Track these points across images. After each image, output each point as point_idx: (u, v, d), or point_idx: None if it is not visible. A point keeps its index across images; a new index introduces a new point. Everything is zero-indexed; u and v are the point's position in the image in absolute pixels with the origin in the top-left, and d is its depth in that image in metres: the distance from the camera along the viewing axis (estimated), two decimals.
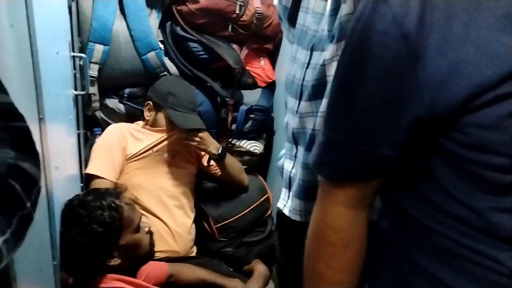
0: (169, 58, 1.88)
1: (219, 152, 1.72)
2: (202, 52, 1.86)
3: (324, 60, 0.84)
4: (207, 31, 1.87)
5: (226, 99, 1.91)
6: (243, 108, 1.94)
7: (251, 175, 2.04)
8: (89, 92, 1.70)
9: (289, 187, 1.02)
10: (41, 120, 0.87)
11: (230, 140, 1.99)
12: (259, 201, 1.98)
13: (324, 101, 0.85)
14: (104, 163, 1.62)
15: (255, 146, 2.04)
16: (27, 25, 0.77)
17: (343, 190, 0.63)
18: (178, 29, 1.85)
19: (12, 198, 0.49)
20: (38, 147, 0.89)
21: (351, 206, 0.63)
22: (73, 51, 1.42)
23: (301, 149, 0.96)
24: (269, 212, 2.04)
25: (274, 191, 2.05)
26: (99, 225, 1.15)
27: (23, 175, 0.51)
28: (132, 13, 1.75)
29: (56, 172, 1.02)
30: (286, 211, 1.02)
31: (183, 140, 1.69)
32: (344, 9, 0.78)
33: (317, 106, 0.88)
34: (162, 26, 1.88)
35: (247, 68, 1.99)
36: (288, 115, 1.02)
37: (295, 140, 0.98)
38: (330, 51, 0.83)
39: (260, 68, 2.03)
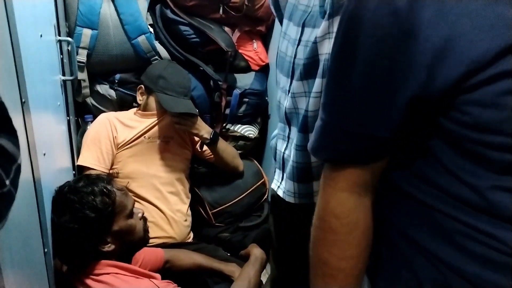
0: (159, 42, 1.84)
1: (211, 136, 1.70)
2: (193, 36, 1.83)
3: (315, 38, 0.82)
4: (198, 13, 1.83)
5: (219, 83, 1.88)
6: (236, 92, 1.92)
7: (246, 160, 2.02)
8: (79, 78, 1.68)
9: (283, 168, 1.00)
10: (23, 103, 0.84)
11: (224, 124, 1.96)
12: (255, 186, 1.97)
13: (317, 81, 0.83)
14: (94, 154, 1.62)
15: (249, 131, 2.01)
16: (3, 4, 0.74)
17: (343, 176, 0.61)
18: (168, 12, 1.81)
19: None
20: (21, 130, 0.87)
21: (353, 192, 0.62)
22: (59, 35, 1.38)
23: (294, 130, 0.94)
24: (265, 197, 2.03)
25: (270, 175, 2.03)
26: (91, 210, 1.13)
27: (0, 154, 0.49)
28: None
29: (44, 159, 0.99)
30: (280, 193, 1.00)
31: (175, 125, 1.67)
32: None
33: (310, 86, 0.86)
34: (151, 9, 1.84)
35: (240, 51, 1.96)
36: (280, 94, 0.99)
37: (287, 120, 0.96)
38: (321, 28, 0.80)
39: (253, 51, 1.99)
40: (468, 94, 0.49)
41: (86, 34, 1.66)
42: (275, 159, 1.05)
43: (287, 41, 0.93)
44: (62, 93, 1.39)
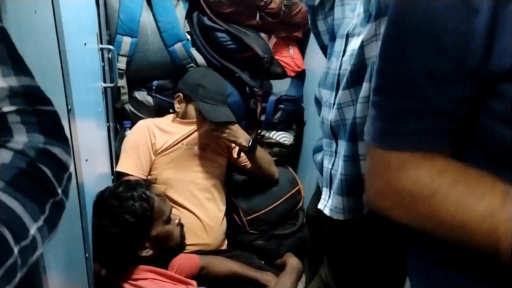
0: (196, 49, 1.86)
1: (249, 144, 1.69)
2: (230, 42, 1.83)
3: (362, 42, 0.79)
4: (234, 20, 1.84)
5: (255, 89, 1.87)
6: (272, 98, 1.90)
7: (281, 167, 2.00)
8: (118, 85, 1.71)
9: (330, 185, 0.96)
10: (69, 111, 0.86)
11: (259, 131, 1.95)
12: (289, 193, 1.94)
13: (364, 85, 0.80)
14: (132, 160, 1.64)
15: (285, 137, 2.00)
16: (52, 13, 0.76)
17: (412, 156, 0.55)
18: (205, 19, 1.82)
19: (44, 184, 0.46)
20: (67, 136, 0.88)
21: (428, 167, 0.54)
22: (101, 43, 1.41)
23: (341, 143, 0.90)
24: (300, 205, 2.00)
25: (305, 182, 2.01)
26: (131, 215, 1.15)
27: (53, 160, 0.48)
28: (158, 4, 1.73)
29: (86, 164, 1.01)
30: (326, 211, 0.96)
31: (213, 132, 1.67)
32: None
33: (357, 93, 0.83)
34: (189, 16, 1.86)
35: (276, 57, 1.95)
36: (323, 110, 0.96)
37: (334, 135, 0.92)
38: (368, 30, 0.78)
39: (289, 57, 1.98)
40: None
41: (126, 41, 1.69)
42: (321, 174, 1.01)
43: (333, 56, 0.91)
44: (103, 100, 1.41)
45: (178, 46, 1.78)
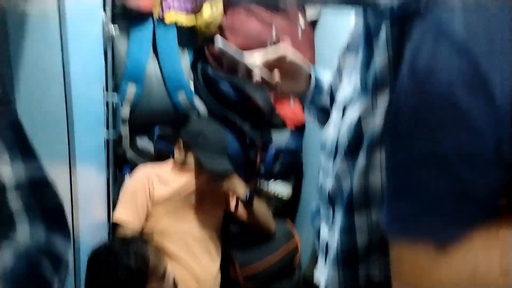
0: (199, 97, 1.88)
1: (248, 196, 1.68)
2: (232, 93, 1.86)
3: (359, 117, 0.79)
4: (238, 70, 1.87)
5: (255, 140, 1.88)
6: (272, 149, 1.91)
7: (278, 220, 1.97)
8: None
9: (326, 255, 0.93)
10: (71, 163, 0.85)
11: (257, 182, 1.94)
12: (286, 247, 1.91)
13: (361, 157, 0.79)
14: (129, 209, 1.62)
15: (283, 189, 1.98)
16: (62, 68, 0.77)
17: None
18: (209, 70, 1.85)
19: (41, 284, 0.46)
20: (67, 190, 0.87)
21: None
22: (106, 90, 1.43)
23: (338, 211, 0.89)
24: (297, 259, 1.95)
25: (302, 236, 1.97)
26: (126, 272, 1.11)
27: (53, 258, 0.48)
28: (164, 53, 1.77)
29: (84, 215, 0.99)
30: (322, 281, 0.93)
31: (212, 183, 1.66)
32: (378, 58, 0.74)
33: (354, 163, 0.82)
34: (193, 66, 1.89)
35: (277, 108, 1.97)
36: (322, 176, 0.96)
37: (331, 203, 0.91)
38: (365, 104, 0.78)
39: (290, 109, 2.00)
40: None
41: (131, 88, 1.71)
42: (318, 241, 0.99)
43: (331, 125, 0.91)
44: (105, 148, 1.41)
45: (181, 95, 1.79)
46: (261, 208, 1.79)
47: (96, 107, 1.24)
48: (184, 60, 1.84)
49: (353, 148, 0.80)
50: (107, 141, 1.47)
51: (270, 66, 0.90)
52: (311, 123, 2.02)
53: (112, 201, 1.65)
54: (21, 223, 0.46)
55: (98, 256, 1.15)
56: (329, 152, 0.89)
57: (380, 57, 0.73)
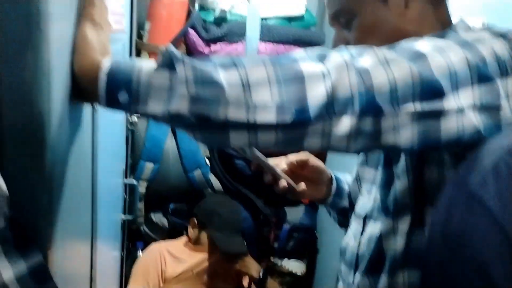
0: (214, 174, 1.92)
1: (260, 276, 1.66)
2: (247, 169, 1.90)
3: (380, 233, 0.77)
4: None
5: (269, 217, 1.89)
6: (286, 226, 1.91)
7: None
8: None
9: None
10: (93, 240, 0.88)
11: (271, 259, 1.92)
12: None
13: (383, 277, 0.78)
14: (141, 286, 1.60)
15: (297, 266, 1.96)
16: (91, 152, 0.82)
17: None
18: None
19: None
20: (88, 265, 0.89)
21: None
22: (126, 178, 1.48)
23: None
24: None
25: None
26: None
27: None
28: (183, 133, 1.84)
29: None
30: None
31: (225, 262, 1.66)
32: (399, 183, 0.74)
33: (375, 281, 0.81)
34: None
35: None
36: (342, 285, 0.94)
37: None
38: (386, 224, 0.76)
39: None
40: None
41: (148, 167, 1.77)
42: None
43: (350, 231, 0.91)
44: (121, 231, 1.44)
45: (197, 173, 1.84)
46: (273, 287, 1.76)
47: (115, 192, 1.28)
48: None
49: (375, 266, 0.78)
50: (123, 225, 1.51)
51: (294, 169, 0.90)
52: None
53: (124, 276, 1.65)
54: None
55: None
56: (349, 262, 0.87)
57: (400, 183, 0.73)
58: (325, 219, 2.00)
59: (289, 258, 1.96)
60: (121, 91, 0.53)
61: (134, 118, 1.69)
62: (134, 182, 1.56)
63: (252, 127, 0.54)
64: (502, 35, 0.63)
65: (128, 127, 1.62)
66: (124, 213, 1.49)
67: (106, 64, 0.54)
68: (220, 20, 1.78)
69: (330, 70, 0.55)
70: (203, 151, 1.90)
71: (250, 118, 0.53)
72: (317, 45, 1.81)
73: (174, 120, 0.54)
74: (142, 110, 0.53)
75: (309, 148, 0.58)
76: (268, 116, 0.53)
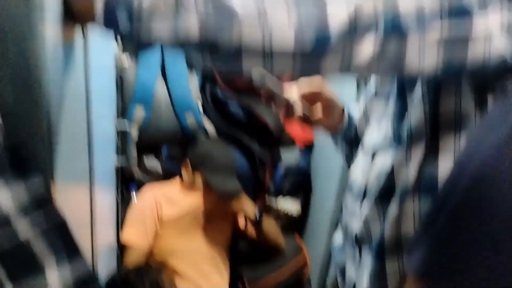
0: (208, 118, 1.89)
1: (256, 215, 1.68)
2: (241, 113, 1.87)
3: (392, 166, 0.77)
4: (246, 90, 1.88)
5: (264, 159, 1.89)
6: (280, 168, 1.92)
7: (288, 236, 1.96)
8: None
9: None
10: (91, 184, 0.86)
11: (267, 200, 1.94)
12: (295, 263, 1.90)
13: (394, 205, 0.78)
14: (138, 230, 1.62)
15: (292, 206, 1.99)
16: (85, 94, 0.78)
17: None
18: (218, 90, 1.87)
19: None
20: (87, 210, 0.88)
21: None
22: (117, 117, 1.44)
23: (366, 254, 0.85)
24: (306, 275, 1.95)
25: (311, 252, 1.97)
26: None
27: None
28: (173, 74, 1.78)
29: (100, 237, 1.00)
30: None
31: (220, 202, 1.67)
32: (414, 112, 0.73)
33: (384, 210, 0.80)
34: (202, 87, 1.91)
35: (286, 127, 1.98)
36: (348, 217, 0.94)
37: (358, 246, 0.89)
38: (398, 154, 0.76)
39: (299, 128, 2.01)
40: None
41: (139, 111, 1.72)
42: (343, 280, 0.97)
43: (358, 166, 0.91)
44: (115, 171, 1.41)
45: (188, 116, 1.81)
46: (270, 226, 1.79)
47: (108, 132, 1.25)
48: (193, 80, 1.86)
49: (384, 196, 0.79)
50: (117, 169, 1.48)
51: (307, 100, 0.88)
52: (320, 141, 2.03)
53: (119, 220, 1.65)
54: None
55: (114, 285, 1.15)
56: (356, 194, 0.87)
57: (415, 112, 0.73)
58: (320, 161, 2.01)
59: (285, 199, 1.98)
60: (120, 8, 0.48)
61: (125, 63, 1.62)
62: (126, 124, 1.51)
63: (267, 55, 0.50)
64: None
65: (118, 73, 1.55)
66: (118, 157, 1.46)
67: None
68: None
69: None
70: (195, 96, 1.85)
71: (266, 45, 0.49)
72: None
73: (182, 43, 0.50)
74: (145, 30, 0.49)
75: (327, 72, 0.55)
76: (285, 44, 0.49)
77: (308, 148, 2.04)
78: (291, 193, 1.98)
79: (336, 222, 1.67)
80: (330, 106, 0.92)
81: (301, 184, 1.99)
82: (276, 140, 1.87)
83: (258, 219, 1.68)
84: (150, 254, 1.63)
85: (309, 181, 2.06)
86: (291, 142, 1.98)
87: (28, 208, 0.45)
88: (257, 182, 1.92)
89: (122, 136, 1.54)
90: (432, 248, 0.53)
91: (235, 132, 1.88)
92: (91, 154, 0.85)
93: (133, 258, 1.56)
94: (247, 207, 1.67)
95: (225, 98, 1.85)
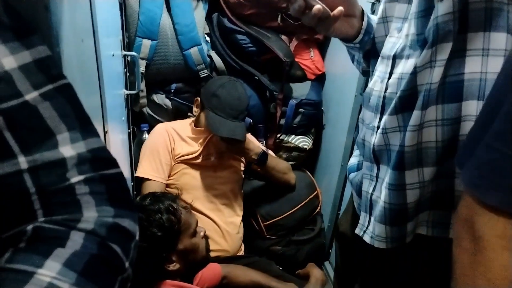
0: (216, 52, 1.81)
1: (258, 157, 1.67)
2: (250, 45, 1.79)
3: (414, 68, 0.73)
4: (255, 22, 1.79)
5: (275, 93, 1.84)
6: (292, 102, 1.87)
7: (299, 171, 1.97)
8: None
9: (370, 211, 0.91)
10: (105, 133, 0.83)
11: (278, 135, 1.92)
12: (308, 199, 1.91)
13: (415, 113, 0.74)
14: (152, 165, 1.61)
15: (304, 142, 1.96)
16: (91, 26, 0.73)
17: None
18: (225, 21, 1.78)
19: (114, 263, 0.44)
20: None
21: None
22: (124, 50, 1.37)
23: (384, 168, 0.84)
24: (318, 209, 1.97)
25: (322, 187, 1.98)
26: (159, 228, 1.12)
27: (123, 234, 0.46)
28: (177, 6, 1.69)
29: None
30: (367, 238, 0.90)
31: (219, 145, 1.65)
32: (442, 8, 0.68)
33: (405, 119, 0.77)
34: (208, 18, 1.82)
35: (296, 59, 1.91)
36: (364, 131, 0.91)
37: (376, 159, 0.87)
38: (422, 56, 0.72)
39: (309, 59, 1.94)
40: None
41: (146, 44, 1.65)
42: (360, 197, 0.96)
43: (376, 76, 0.86)
44: (125, 107, 1.38)
45: (193, 51, 1.73)
46: (277, 165, 1.78)
47: (116, 66, 1.20)
48: (199, 12, 1.76)
49: (405, 103, 0.76)
50: (127, 101, 1.44)
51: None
52: (331, 73, 1.96)
53: (134, 159, 1.65)
54: (88, 210, 0.44)
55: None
56: (374, 107, 0.85)
57: (443, 7, 0.68)
58: (331, 94, 1.96)
59: (296, 134, 1.95)
60: None
61: None
62: (134, 53, 1.45)
63: None
64: None
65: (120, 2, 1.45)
66: (127, 88, 1.41)
67: None
68: None
69: None
70: (202, 26, 1.76)
71: None
72: None
73: None
74: None
75: None
76: None
77: (319, 81, 1.98)
78: (303, 127, 1.95)
79: (349, 156, 1.65)
80: (349, 6, 0.86)
81: (312, 118, 1.96)
82: (286, 72, 1.80)
83: (260, 161, 1.66)
84: (166, 189, 1.64)
85: (320, 114, 2.02)
86: (302, 75, 1.92)
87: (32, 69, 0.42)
88: (269, 117, 1.88)
89: (130, 67, 1.48)
90: (482, 161, 0.52)
91: (244, 65, 1.81)
92: (102, 88, 0.81)
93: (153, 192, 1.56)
94: (249, 151, 1.65)
95: (233, 28, 1.76)
